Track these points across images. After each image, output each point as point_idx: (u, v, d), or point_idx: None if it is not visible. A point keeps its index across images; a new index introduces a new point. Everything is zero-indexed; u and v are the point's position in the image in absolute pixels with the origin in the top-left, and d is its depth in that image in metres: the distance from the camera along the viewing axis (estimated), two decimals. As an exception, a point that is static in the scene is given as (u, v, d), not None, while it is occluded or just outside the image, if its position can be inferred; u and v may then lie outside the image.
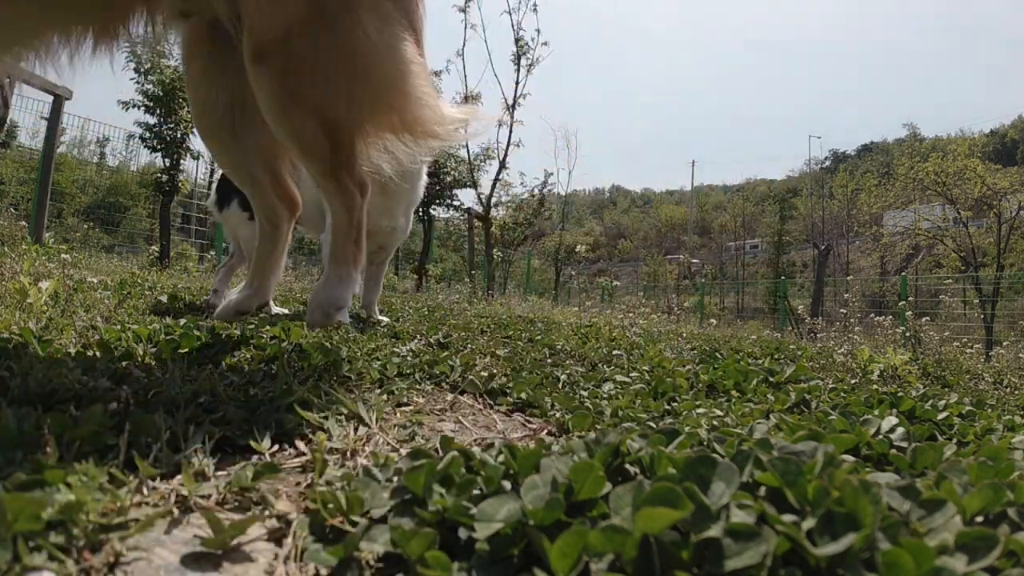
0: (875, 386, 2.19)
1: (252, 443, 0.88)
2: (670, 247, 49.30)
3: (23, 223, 5.00)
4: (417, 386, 1.45)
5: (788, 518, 0.51)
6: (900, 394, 1.66)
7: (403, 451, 0.95)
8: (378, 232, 2.76)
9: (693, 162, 72.08)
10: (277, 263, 2.21)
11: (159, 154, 7.51)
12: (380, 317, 2.89)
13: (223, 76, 1.92)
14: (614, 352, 2.31)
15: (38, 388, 0.88)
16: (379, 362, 1.57)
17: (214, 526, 0.58)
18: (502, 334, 2.80)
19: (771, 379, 1.97)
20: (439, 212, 11.96)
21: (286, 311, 2.86)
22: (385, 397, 1.28)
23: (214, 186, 3.49)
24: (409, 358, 1.68)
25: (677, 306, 11.67)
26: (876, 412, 1.28)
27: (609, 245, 56.96)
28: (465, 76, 10.06)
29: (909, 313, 5.19)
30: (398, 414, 1.20)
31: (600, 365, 2.11)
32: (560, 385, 1.63)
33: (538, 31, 9.30)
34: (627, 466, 0.73)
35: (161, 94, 7.22)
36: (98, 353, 1.24)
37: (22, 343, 1.23)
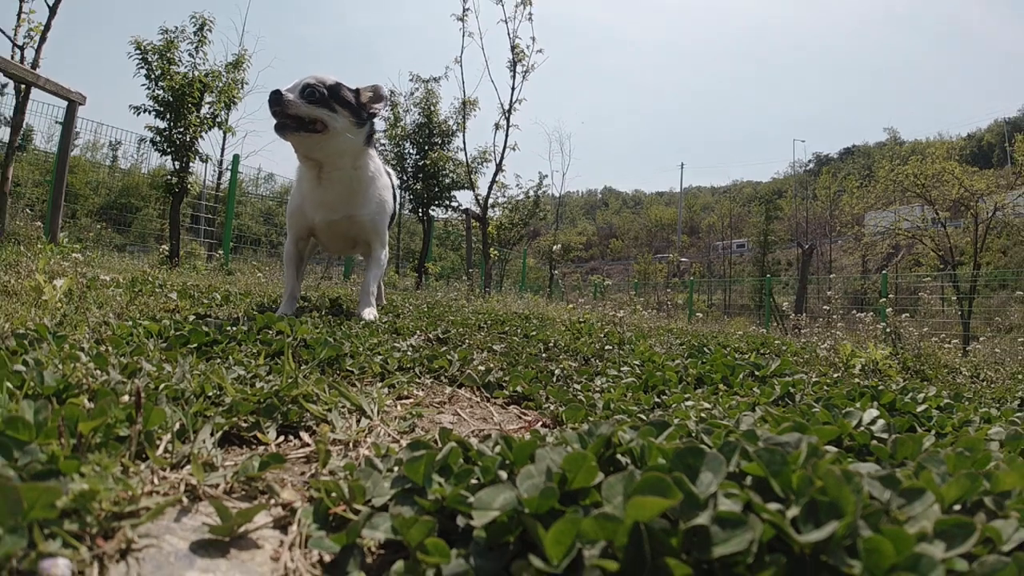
0: (857, 380, 2.23)
1: (259, 434, 0.90)
2: (660, 246, 49.60)
3: (38, 223, 4.96)
4: (417, 380, 1.47)
5: (773, 506, 0.53)
6: (881, 387, 1.69)
7: (404, 442, 0.97)
8: (319, 228, 2.65)
9: (682, 164, 72.23)
10: None
11: (169, 157, 7.58)
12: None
13: None
14: (606, 347, 2.33)
15: (53, 381, 0.88)
16: (380, 357, 1.58)
17: (222, 514, 0.59)
18: (499, 330, 2.81)
19: (757, 373, 2.00)
20: (438, 213, 12.09)
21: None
22: (386, 390, 1.30)
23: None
24: (409, 353, 1.70)
25: (669, 302, 11.77)
26: (858, 405, 1.30)
27: (601, 244, 57.26)
28: (463, 82, 10.09)
29: (889, 310, 5.29)
30: (399, 406, 1.22)
31: (593, 360, 2.14)
32: (554, 379, 1.65)
33: (533, 39, 9.39)
34: (619, 456, 0.75)
35: (171, 99, 7.32)
36: (110, 348, 1.25)
37: (38, 338, 1.23)
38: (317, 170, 2.56)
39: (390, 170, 3.11)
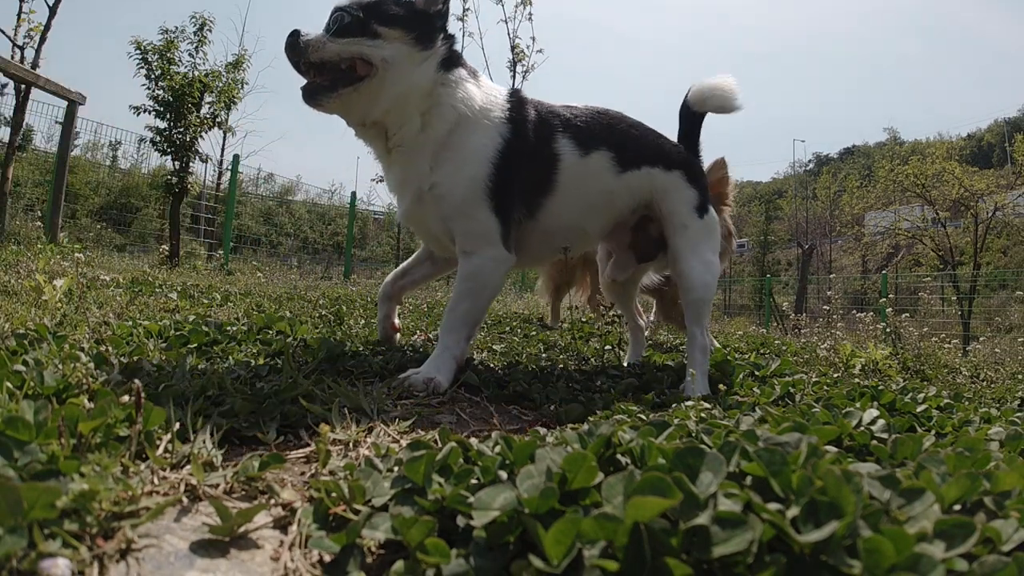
0: (857, 380, 2.23)
1: (259, 434, 0.90)
2: (660, 245, 49.52)
3: (39, 223, 4.99)
4: (417, 379, 1.47)
5: (773, 506, 0.53)
6: (881, 387, 1.68)
7: (404, 442, 0.97)
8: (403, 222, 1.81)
9: (682, 163, 71.82)
10: None
11: (169, 157, 7.68)
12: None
13: None
14: (606, 347, 2.33)
15: (53, 381, 0.88)
16: (380, 357, 1.58)
17: (222, 514, 0.59)
18: (499, 330, 2.82)
19: (757, 373, 1.99)
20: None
21: None
22: (386, 390, 1.30)
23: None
24: (409, 352, 1.70)
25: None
26: (858, 405, 1.30)
27: (602, 244, 57.30)
28: (463, 82, 10.14)
29: (889, 310, 5.31)
30: (399, 406, 1.22)
31: (593, 360, 2.14)
32: (554, 379, 1.65)
33: (533, 39, 9.37)
34: (618, 456, 0.75)
35: (171, 99, 7.40)
36: (110, 348, 1.25)
37: (38, 338, 1.24)
38: (383, 139, 1.63)
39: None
